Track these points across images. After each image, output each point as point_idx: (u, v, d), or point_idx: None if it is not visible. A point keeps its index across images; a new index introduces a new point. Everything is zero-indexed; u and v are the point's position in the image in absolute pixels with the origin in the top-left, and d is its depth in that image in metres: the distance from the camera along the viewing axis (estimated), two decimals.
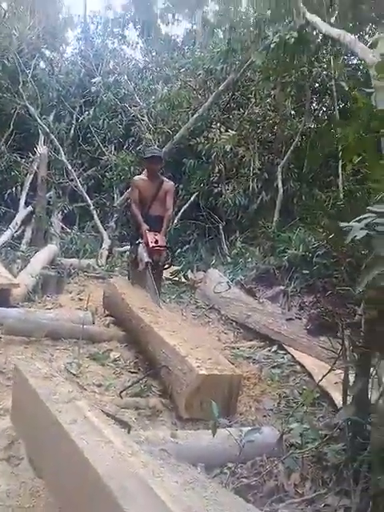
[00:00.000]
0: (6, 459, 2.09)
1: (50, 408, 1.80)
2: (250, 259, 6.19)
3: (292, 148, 7.34)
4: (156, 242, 4.39)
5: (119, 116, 10.24)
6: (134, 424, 2.53)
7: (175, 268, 6.15)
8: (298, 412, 2.73)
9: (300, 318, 4.27)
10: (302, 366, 3.59)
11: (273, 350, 3.96)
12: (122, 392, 2.92)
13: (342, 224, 1.89)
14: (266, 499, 2.08)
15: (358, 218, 1.86)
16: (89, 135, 10.46)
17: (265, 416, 2.94)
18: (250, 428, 2.32)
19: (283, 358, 3.80)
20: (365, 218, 1.83)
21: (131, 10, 18.51)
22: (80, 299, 5.30)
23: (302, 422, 2.59)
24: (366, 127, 2.36)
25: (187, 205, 8.66)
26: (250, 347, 4.07)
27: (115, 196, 9.53)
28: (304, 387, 3.28)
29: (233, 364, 3.19)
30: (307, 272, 4.89)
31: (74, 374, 3.14)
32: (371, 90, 3.06)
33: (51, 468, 1.85)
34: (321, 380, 2.54)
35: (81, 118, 10.48)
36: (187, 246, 7.67)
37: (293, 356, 3.78)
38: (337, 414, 2.37)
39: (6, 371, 3.05)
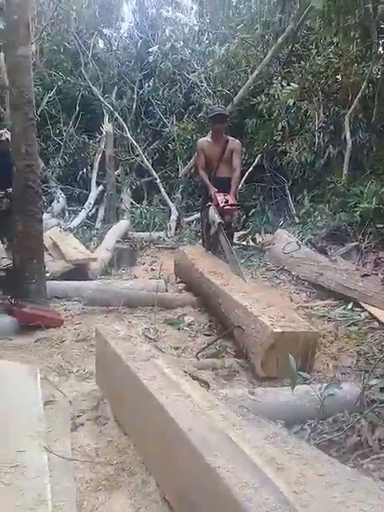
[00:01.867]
0: (94, 419, 2.21)
1: (130, 366, 1.89)
2: (319, 217, 5.99)
3: (359, 96, 6.87)
4: (226, 201, 4.32)
5: (178, 84, 10.19)
6: (212, 383, 2.60)
7: (242, 232, 6.12)
8: (378, 368, 2.66)
9: (376, 274, 4.08)
10: (381, 323, 3.45)
11: (348, 307, 3.82)
12: (198, 353, 3.00)
13: None
14: (349, 454, 2.07)
15: None
16: (150, 108, 10.55)
17: (344, 373, 2.88)
18: (329, 382, 2.31)
19: (360, 315, 3.66)
20: None
21: None
22: (153, 269, 5.49)
23: (382, 377, 2.53)
24: None
25: (251, 168, 8.50)
26: (324, 306, 3.96)
27: (180, 167, 9.57)
28: (383, 343, 3.17)
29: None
30: (382, 226, 4.64)
31: (151, 339, 3.27)
32: None
33: (134, 424, 1.95)
34: None
35: (141, 92, 10.55)
36: (254, 210, 7.57)
37: (370, 312, 3.64)
38: None
39: (90, 338, 3.24)
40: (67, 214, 8.74)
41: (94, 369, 2.54)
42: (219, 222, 4.26)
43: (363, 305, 3.78)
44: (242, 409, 2.12)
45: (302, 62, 7.91)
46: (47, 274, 4.09)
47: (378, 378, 2.55)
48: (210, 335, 3.46)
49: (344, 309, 3.85)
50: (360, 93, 6.90)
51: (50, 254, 5.26)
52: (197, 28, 11.64)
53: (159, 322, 3.60)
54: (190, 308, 3.96)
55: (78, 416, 2.25)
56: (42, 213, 4.20)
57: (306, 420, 2.28)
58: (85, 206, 8.79)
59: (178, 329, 3.54)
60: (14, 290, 3.66)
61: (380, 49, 7.70)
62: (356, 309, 3.81)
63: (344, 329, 3.46)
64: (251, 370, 2.86)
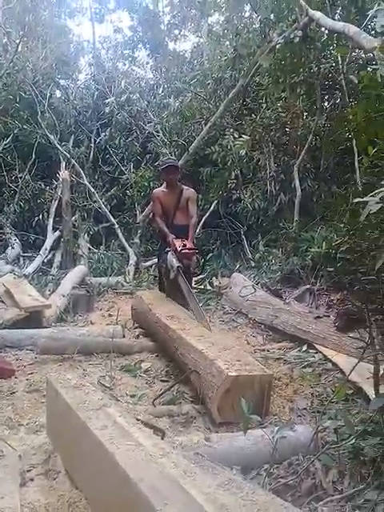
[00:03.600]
0: (44, 474, 2.14)
1: (81, 416, 1.85)
2: (273, 261, 6.18)
3: (306, 147, 7.30)
4: (184, 245, 4.36)
5: (134, 134, 10.47)
6: (168, 431, 2.56)
7: (200, 276, 6.19)
8: (331, 409, 2.71)
9: (328, 316, 4.21)
10: (334, 364, 3.54)
11: (303, 349, 3.92)
12: (154, 400, 2.97)
13: (357, 199, 1.88)
14: (304, 498, 2.07)
15: (372, 193, 1.85)
16: (107, 156, 10.71)
17: (299, 416, 2.91)
18: (281, 426, 2.33)
19: (314, 356, 3.75)
20: (380, 192, 1.81)
21: (139, 30, 18.99)
22: (110, 315, 5.43)
23: (335, 418, 2.57)
24: (374, 104, 2.35)
25: (207, 214, 8.72)
26: (279, 348, 4.04)
27: (137, 213, 9.68)
28: (337, 384, 3.23)
29: (263, 365, 3.19)
30: (332, 269, 4.83)
31: (107, 387, 3.20)
32: (376, 66, 3.02)
33: (85, 477, 1.89)
34: (350, 373, 2.52)
35: (98, 140, 10.75)
36: (211, 254, 7.72)
37: (324, 354, 3.73)
38: (370, 405, 2.34)
39: (42, 389, 3.14)
40: (22, 261, 8.56)
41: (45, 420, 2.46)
42: (178, 266, 4.28)
43: (317, 346, 3.87)
44: (198, 456, 2.10)
45: (252, 115, 8.34)
46: None
47: (331, 419, 2.60)
48: (167, 381, 3.42)
49: (299, 351, 3.94)
50: (307, 144, 7.32)
51: (2, 302, 5.12)
52: (152, 81, 12.13)
53: (115, 370, 3.55)
54: (147, 354, 3.93)
55: (28, 470, 2.16)
56: None
57: (262, 464, 2.28)
58: (41, 252, 8.64)
59: (135, 376, 3.50)
60: None
61: (326, 103, 8.29)
62: (310, 351, 3.90)
63: (299, 371, 3.53)
64: (208, 416, 2.84)
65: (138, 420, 2.14)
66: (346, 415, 2.60)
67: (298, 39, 6.23)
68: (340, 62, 6.88)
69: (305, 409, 2.99)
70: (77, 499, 1.89)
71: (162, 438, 2.19)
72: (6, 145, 9.69)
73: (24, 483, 2.05)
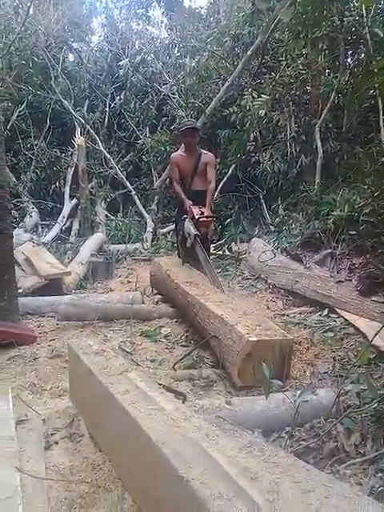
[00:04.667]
0: (68, 437, 2.17)
1: (103, 381, 1.86)
2: (293, 226, 6.05)
3: (328, 106, 7.03)
4: (202, 213, 4.30)
5: (150, 96, 10.23)
6: (189, 395, 2.57)
7: (218, 242, 6.15)
8: (353, 373, 2.68)
9: (350, 280, 4.12)
10: (356, 328, 3.49)
11: (324, 314, 3.86)
12: (175, 365, 2.99)
13: None
14: (326, 461, 2.07)
15: None
16: (123, 121, 10.54)
17: (320, 380, 2.90)
18: (303, 389, 2.31)
19: (335, 321, 3.70)
20: None
21: None
22: (129, 282, 5.46)
23: (358, 382, 2.55)
24: None
25: (226, 178, 8.54)
26: (300, 313, 4.00)
27: (154, 178, 9.57)
28: (359, 349, 3.20)
29: (283, 330, 3.16)
30: (354, 233, 4.70)
31: (127, 352, 3.23)
32: None
33: (108, 440, 1.91)
34: (374, 337, 2.47)
35: (113, 105, 10.55)
36: (229, 220, 7.62)
37: (345, 319, 3.67)
38: None
39: (64, 354, 3.19)
40: (40, 229, 8.61)
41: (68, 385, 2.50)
42: (195, 234, 4.24)
43: (338, 311, 3.82)
44: (219, 419, 2.11)
45: (272, 73, 8.01)
46: (19, 290, 4.01)
47: (353, 383, 2.57)
48: (187, 346, 3.44)
49: (320, 315, 3.89)
50: (329, 103, 7.05)
51: (22, 270, 5.17)
52: (167, 41, 11.73)
53: (136, 335, 3.58)
54: (166, 319, 3.95)
55: (52, 434, 2.20)
56: (13, 228, 4.13)
57: (284, 427, 2.28)
58: (58, 220, 8.69)
59: (155, 341, 3.52)
60: None
61: (349, 59, 7.92)
62: (331, 315, 3.84)
63: (320, 335, 3.49)
64: (228, 380, 2.85)
65: (159, 384, 2.14)
66: (369, 379, 2.57)
67: None
68: (364, 15, 6.51)
69: (326, 373, 2.97)
70: (100, 462, 1.93)
71: (184, 402, 2.20)
72: (20, 112, 9.59)
73: (49, 446, 2.09)
